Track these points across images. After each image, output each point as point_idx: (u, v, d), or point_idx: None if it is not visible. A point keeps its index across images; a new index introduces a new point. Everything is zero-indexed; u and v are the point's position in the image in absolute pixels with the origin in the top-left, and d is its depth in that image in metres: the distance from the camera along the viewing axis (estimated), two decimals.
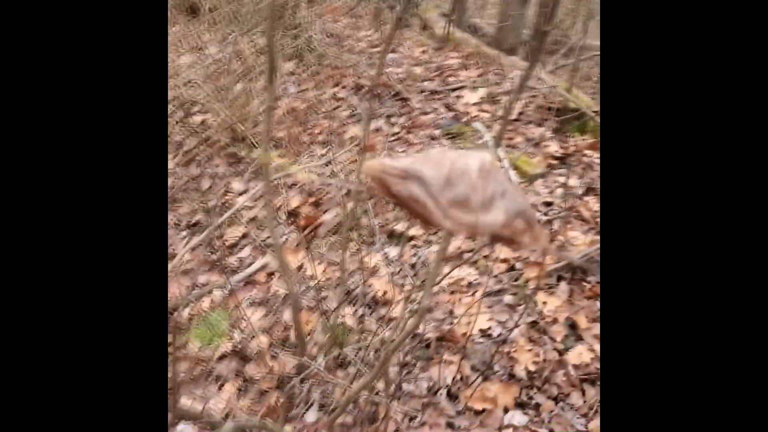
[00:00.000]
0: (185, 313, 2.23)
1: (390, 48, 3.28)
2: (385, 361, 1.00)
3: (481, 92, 3.25)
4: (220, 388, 1.99)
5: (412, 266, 2.43)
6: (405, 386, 2.03)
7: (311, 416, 1.91)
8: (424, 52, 3.67)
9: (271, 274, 2.41)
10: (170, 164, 2.75)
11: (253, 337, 2.03)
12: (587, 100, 3.05)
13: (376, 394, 1.86)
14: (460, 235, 0.42)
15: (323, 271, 2.41)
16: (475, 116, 3.12)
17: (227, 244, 2.49)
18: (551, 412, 1.94)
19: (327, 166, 2.63)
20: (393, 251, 2.47)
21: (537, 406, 1.96)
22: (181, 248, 2.33)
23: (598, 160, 2.76)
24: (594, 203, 2.54)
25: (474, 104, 3.20)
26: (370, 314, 2.26)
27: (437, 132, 2.99)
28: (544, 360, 2.08)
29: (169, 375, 0.96)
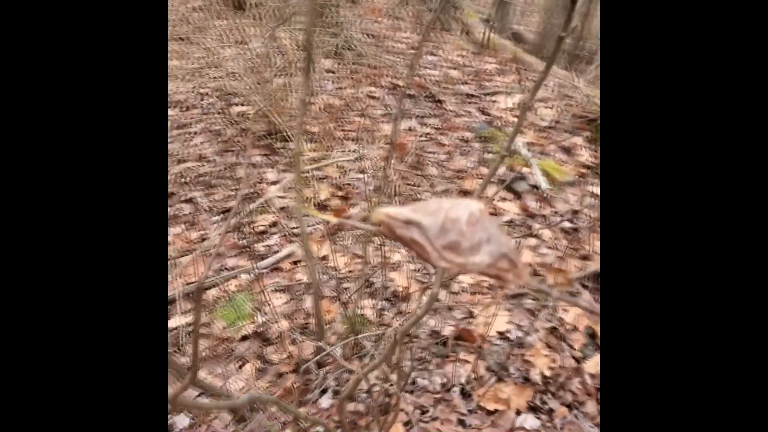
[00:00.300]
0: (212, 293, 2.31)
1: (424, 47, 3.32)
2: (395, 344, 1.03)
3: (517, 98, 3.25)
4: (240, 368, 2.05)
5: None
6: (419, 381, 2.05)
7: (325, 402, 1.95)
8: (462, 56, 3.70)
9: (296, 263, 2.47)
10: (208, 152, 2.84)
11: (275, 321, 2.09)
12: None
13: (391, 385, 1.90)
14: (453, 271, 0.50)
15: (347, 263, 2.46)
16: (509, 121, 3.13)
17: (257, 231, 2.57)
18: (564, 418, 1.94)
19: (358, 161, 2.68)
20: None
21: (550, 411, 1.96)
22: (213, 232, 2.41)
23: None
24: None
25: (508, 109, 3.21)
26: (390, 308, 2.30)
27: (469, 135, 3.02)
28: (561, 366, 2.08)
29: (191, 350, 1.01)
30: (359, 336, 1.80)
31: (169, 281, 2.27)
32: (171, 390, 0.81)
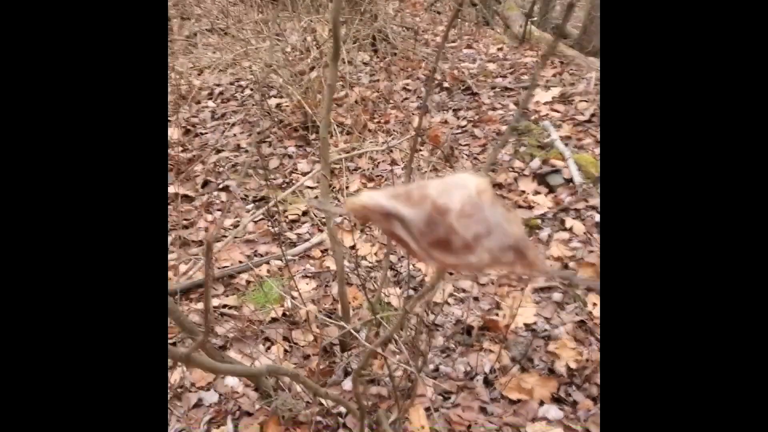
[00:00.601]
0: (244, 277, 2.38)
1: (460, 40, 3.31)
2: (406, 314, 1.05)
3: (554, 91, 3.21)
4: (267, 349, 2.11)
5: None
6: (443, 368, 2.06)
7: (348, 384, 1.99)
8: (500, 49, 3.67)
9: (325, 251, 2.51)
10: (243, 143, 2.93)
11: (303, 305, 2.14)
12: None
13: (413, 370, 1.91)
14: (447, 270, 0.43)
15: (375, 252, 2.49)
16: (545, 115, 3.09)
17: (288, 219, 2.63)
18: (588, 411, 1.91)
19: (389, 153, 2.71)
20: None
21: (574, 403, 1.93)
22: (246, 219, 2.49)
23: None
24: None
25: (545, 103, 3.17)
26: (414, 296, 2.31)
27: (504, 128, 3.00)
28: (587, 360, 2.05)
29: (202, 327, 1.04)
30: (379, 315, 1.82)
31: (200, 266, 2.36)
32: (185, 349, 0.85)
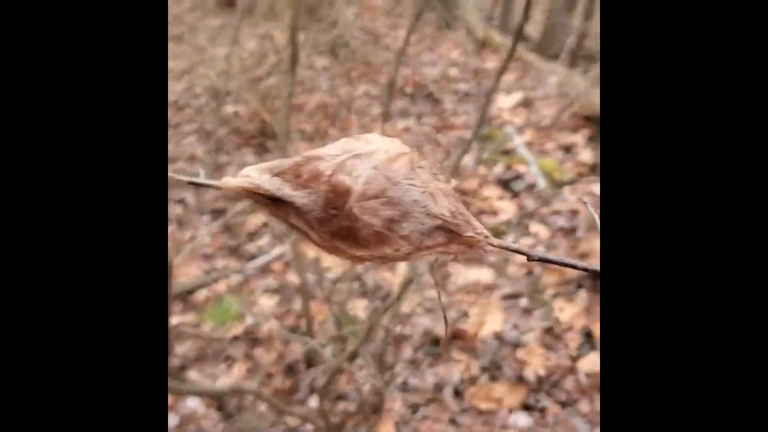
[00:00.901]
0: (202, 293, 2.29)
1: (420, 45, 3.29)
2: (372, 326, 1.00)
3: (516, 97, 3.21)
4: (229, 369, 2.03)
5: (431, 264, 2.42)
6: (411, 381, 2.02)
7: (314, 401, 1.92)
8: (462, 54, 3.67)
9: (287, 264, 2.44)
10: (199, 152, 2.83)
11: (265, 321, 2.07)
12: None
13: (381, 382, 1.86)
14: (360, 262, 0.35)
15: (340, 263, 2.43)
16: (508, 120, 3.09)
17: (247, 231, 2.54)
18: (557, 416, 1.90)
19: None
20: None
21: (543, 409, 1.91)
22: (203, 232, 2.39)
23: None
24: None
25: (508, 108, 3.17)
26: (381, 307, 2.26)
27: (468, 134, 2.98)
28: (556, 365, 2.03)
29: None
30: (346, 330, 1.77)
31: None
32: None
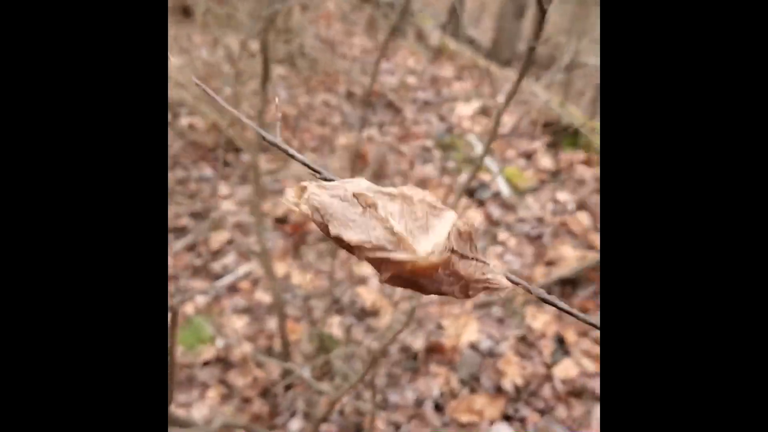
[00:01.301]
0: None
1: (383, 57, 3.27)
2: (373, 363, 0.96)
3: (475, 104, 3.24)
4: (203, 395, 1.94)
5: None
6: (392, 397, 1.99)
7: (295, 425, 1.87)
8: (418, 62, 3.67)
9: (255, 282, 2.36)
10: None
11: (238, 344, 1.99)
12: (580, 115, 3.06)
13: (363, 402, 1.83)
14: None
15: (310, 279, 2.37)
16: (468, 128, 3.11)
17: (212, 249, 2.44)
18: (537, 424, 1.92)
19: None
20: None
21: (523, 419, 1.93)
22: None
23: (590, 175, 2.76)
24: (585, 218, 2.53)
25: (467, 116, 3.19)
26: (358, 324, 2.23)
27: (430, 143, 2.98)
28: (532, 374, 2.06)
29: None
30: (330, 355, 1.72)
31: None
32: None
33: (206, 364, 2.02)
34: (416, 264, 0.34)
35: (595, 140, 2.74)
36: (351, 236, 0.35)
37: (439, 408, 1.99)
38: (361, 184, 0.37)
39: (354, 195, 0.36)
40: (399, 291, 2.27)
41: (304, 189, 0.37)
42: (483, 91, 3.29)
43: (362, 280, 2.32)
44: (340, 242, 0.35)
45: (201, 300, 2.26)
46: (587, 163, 2.82)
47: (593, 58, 3.33)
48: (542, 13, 0.91)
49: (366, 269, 2.38)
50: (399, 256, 0.34)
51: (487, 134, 3.05)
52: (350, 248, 0.35)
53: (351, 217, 0.35)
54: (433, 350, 2.14)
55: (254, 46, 2.74)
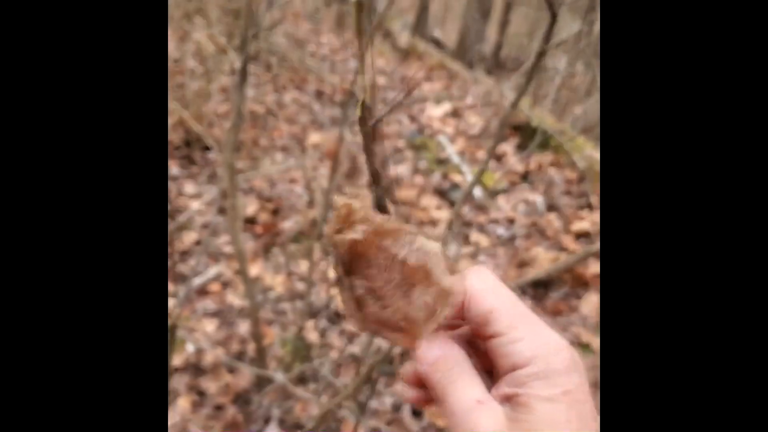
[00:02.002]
0: None
1: (346, 52, 3.23)
2: (369, 373, 0.94)
3: (445, 105, 3.24)
4: (173, 402, 1.86)
5: None
6: (369, 403, 1.96)
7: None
8: (387, 62, 3.65)
9: (225, 284, 2.29)
10: None
11: (209, 349, 1.91)
12: (548, 118, 3.10)
13: (341, 409, 1.79)
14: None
15: (282, 282, 2.32)
16: (439, 129, 3.11)
17: (179, 250, 2.35)
18: None
19: (288, 172, 2.54)
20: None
21: None
22: None
23: (560, 177, 2.80)
24: (556, 220, 2.57)
25: (437, 117, 3.19)
26: (331, 327, 2.19)
27: (401, 143, 2.96)
28: None
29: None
30: (306, 363, 1.67)
31: None
32: None
33: (176, 370, 1.94)
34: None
35: (564, 143, 2.79)
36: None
37: (416, 413, 1.98)
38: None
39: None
40: None
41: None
42: (452, 93, 3.30)
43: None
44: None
45: (169, 303, 2.17)
46: (556, 165, 2.86)
47: (557, 62, 3.38)
48: (553, 17, 0.90)
49: None
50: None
51: (456, 135, 3.06)
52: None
53: None
54: (410, 354, 2.12)
55: (223, 41, 2.66)
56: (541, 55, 0.99)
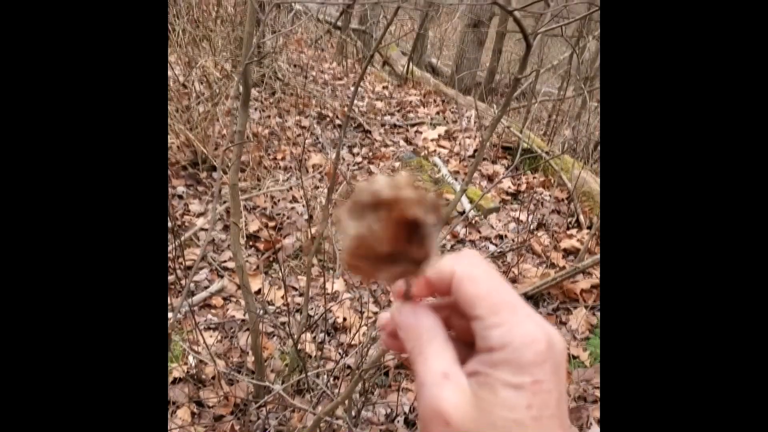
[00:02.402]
0: None
1: (347, 79, 3.36)
2: (358, 381, 1.01)
3: (440, 129, 3.36)
4: (173, 413, 1.92)
5: (373, 293, 2.45)
6: (363, 413, 2.02)
7: None
8: (384, 87, 3.78)
9: (227, 298, 2.37)
10: None
11: (210, 361, 1.98)
12: (538, 141, 3.21)
13: (336, 419, 1.85)
14: None
15: (282, 296, 2.40)
16: (434, 151, 3.22)
17: (183, 266, 2.44)
18: None
19: (289, 191, 2.64)
20: (354, 277, 2.49)
21: None
22: None
23: (549, 197, 2.90)
24: (545, 238, 2.66)
25: (432, 140, 3.31)
26: (330, 341, 2.26)
27: (397, 164, 3.07)
28: None
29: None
30: (303, 375, 1.74)
31: None
32: None
33: (176, 381, 2.01)
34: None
35: (554, 164, 2.89)
36: None
37: (410, 423, 2.03)
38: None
39: None
40: (371, 307, 2.32)
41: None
42: (447, 117, 3.42)
43: (334, 297, 2.36)
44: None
45: (171, 316, 2.25)
46: (546, 185, 2.96)
47: (548, 88, 3.50)
48: (528, 47, 1.00)
49: (337, 285, 2.42)
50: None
51: (451, 156, 3.17)
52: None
53: None
54: (404, 366, 2.19)
55: (227, 67, 2.79)
56: (517, 81, 1.08)
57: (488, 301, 0.36)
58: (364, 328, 2.29)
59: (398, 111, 3.49)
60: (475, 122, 3.46)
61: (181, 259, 2.43)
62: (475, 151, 3.32)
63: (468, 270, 0.38)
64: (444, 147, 3.26)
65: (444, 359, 0.38)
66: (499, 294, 0.37)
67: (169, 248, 2.27)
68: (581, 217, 2.63)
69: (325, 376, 1.97)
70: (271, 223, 2.61)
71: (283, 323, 2.24)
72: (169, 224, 2.55)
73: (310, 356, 2.14)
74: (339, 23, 3.99)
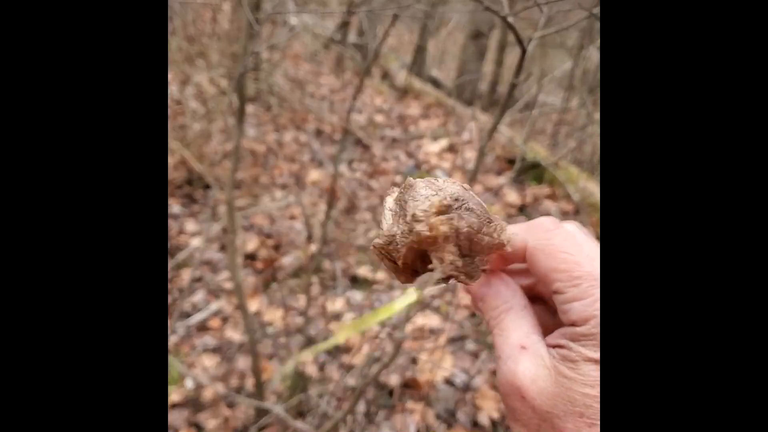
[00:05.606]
0: None
1: (345, 92, 3.33)
2: (359, 396, 0.95)
3: (442, 141, 3.31)
4: None
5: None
6: None
7: None
8: (384, 100, 3.74)
9: (225, 320, 2.31)
10: None
11: (209, 384, 1.92)
12: (543, 152, 3.16)
13: None
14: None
15: (282, 316, 2.33)
16: (436, 164, 3.17)
17: (179, 287, 2.38)
18: None
19: (288, 208, 2.59)
20: (356, 296, 2.42)
21: None
22: None
23: (555, 209, 2.83)
24: None
25: (434, 153, 3.25)
26: (331, 361, 2.19)
27: (399, 179, 3.02)
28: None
29: None
30: (304, 395, 1.68)
31: None
32: None
33: (175, 406, 1.95)
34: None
35: (559, 175, 2.83)
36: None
37: None
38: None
39: None
40: (373, 328, 2.26)
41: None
42: (449, 129, 3.37)
43: (335, 317, 2.30)
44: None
45: (170, 339, 2.18)
46: (552, 197, 2.89)
47: (552, 98, 3.46)
48: (523, 52, 0.95)
49: (338, 305, 2.36)
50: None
51: (453, 170, 3.11)
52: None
53: None
54: (409, 386, 2.12)
55: (223, 83, 2.76)
56: (513, 87, 1.04)
57: (566, 274, 0.35)
58: (365, 347, 2.22)
59: (399, 124, 3.44)
60: (477, 134, 3.41)
61: (177, 280, 2.37)
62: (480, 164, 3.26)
63: (542, 242, 0.37)
64: (446, 160, 3.21)
65: (521, 330, 0.38)
66: (579, 265, 0.36)
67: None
68: (588, 229, 2.56)
69: (327, 397, 1.90)
70: (270, 242, 2.55)
71: (283, 344, 2.17)
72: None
73: (310, 377, 2.07)
74: (337, 37, 3.97)
